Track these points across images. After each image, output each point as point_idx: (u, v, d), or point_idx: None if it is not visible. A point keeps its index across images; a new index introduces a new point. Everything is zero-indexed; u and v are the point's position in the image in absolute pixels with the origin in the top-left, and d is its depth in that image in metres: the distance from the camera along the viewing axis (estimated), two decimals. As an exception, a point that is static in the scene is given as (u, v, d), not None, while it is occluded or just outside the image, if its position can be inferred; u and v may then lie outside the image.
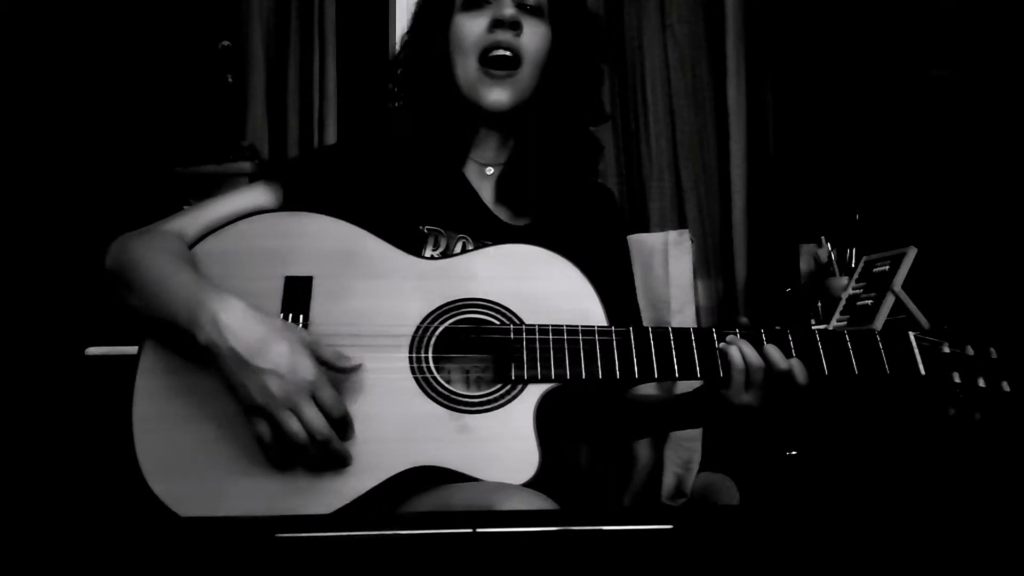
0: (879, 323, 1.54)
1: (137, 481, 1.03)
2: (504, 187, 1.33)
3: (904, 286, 1.56)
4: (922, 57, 2.19)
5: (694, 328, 1.12)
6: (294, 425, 1.00)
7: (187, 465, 1.04)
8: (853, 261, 2.01)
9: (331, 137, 2.62)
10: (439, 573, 0.73)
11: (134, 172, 2.34)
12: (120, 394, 1.08)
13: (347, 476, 1.03)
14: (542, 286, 1.15)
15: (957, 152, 2.09)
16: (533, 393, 1.08)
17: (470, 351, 1.15)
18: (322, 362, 1.04)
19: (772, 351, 1.08)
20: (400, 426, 1.06)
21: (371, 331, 1.10)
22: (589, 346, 1.10)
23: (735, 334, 1.11)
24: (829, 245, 2.09)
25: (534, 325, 1.11)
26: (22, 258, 2.13)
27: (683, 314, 1.70)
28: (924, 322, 1.48)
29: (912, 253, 1.59)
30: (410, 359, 1.10)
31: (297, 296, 1.12)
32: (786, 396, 1.09)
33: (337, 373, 1.05)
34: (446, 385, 1.09)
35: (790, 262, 2.26)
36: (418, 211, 1.27)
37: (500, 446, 1.05)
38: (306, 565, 0.73)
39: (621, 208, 1.95)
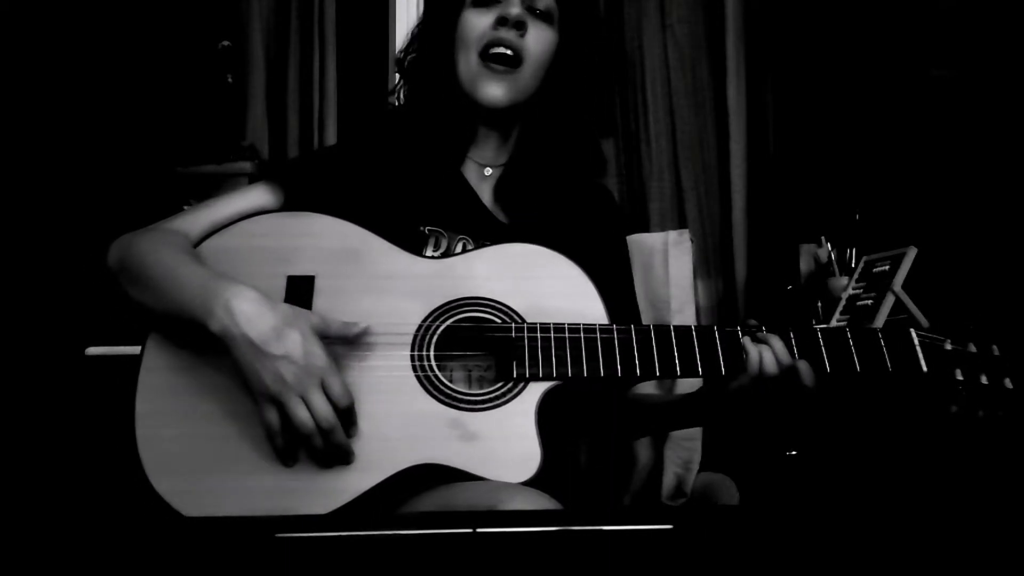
0: (879, 323, 1.55)
1: (139, 479, 1.03)
2: (503, 188, 1.34)
3: (904, 286, 1.56)
4: (922, 57, 2.19)
5: (695, 326, 1.13)
6: (302, 413, 1.01)
7: (190, 462, 1.04)
8: (853, 261, 2.01)
9: (331, 137, 2.62)
10: (439, 573, 0.73)
11: (134, 172, 2.34)
12: (121, 393, 1.08)
13: (350, 473, 1.03)
14: (543, 285, 1.15)
15: (957, 152, 2.09)
16: (535, 391, 1.08)
17: (472, 350, 1.15)
18: (333, 338, 1.06)
19: (776, 343, 1.09)
20: (402, 424, 1.06)
21: (373, 330, 1.10)
22: (591, 344, 1.10)
23: (762, 330, 1.11)
24: (829, 245, 2.09)
25: (535, 323, 1.11)
26: (23, 258, 2.13)
27: (683, 314, 1.71)
28: (924, 322, 1.48)
29: (912, 253, 1.60)
30: (412, 358, 1.10)
31: (300, 295, 1.12)
32: (791, 396, 1.09)
33: (349, 344, 1.07)
34: (448, 383, 1.09)
35: (790, 262, 2.26)
36: (418, 212, 1.27)
37: (502, 444, 1.05)
38: (306, 565, 0.73)
39: (621, 208, 1.95)
